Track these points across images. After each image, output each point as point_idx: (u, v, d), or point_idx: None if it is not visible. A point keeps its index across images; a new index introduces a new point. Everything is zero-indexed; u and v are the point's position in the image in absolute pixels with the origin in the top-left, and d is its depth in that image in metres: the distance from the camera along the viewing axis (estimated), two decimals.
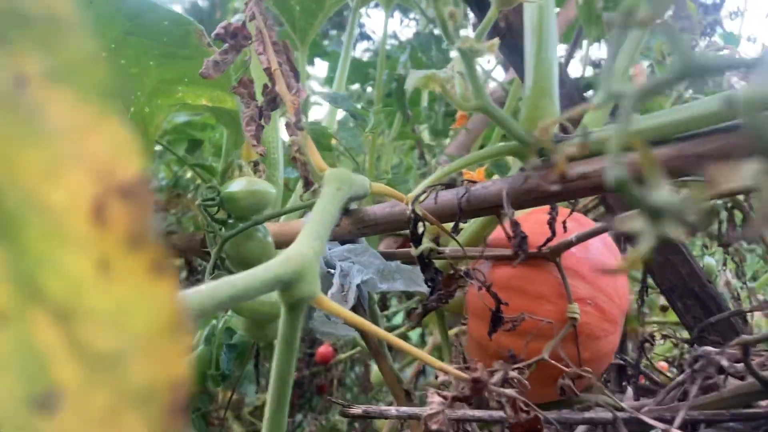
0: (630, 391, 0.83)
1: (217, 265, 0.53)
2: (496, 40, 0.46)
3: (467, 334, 0.63)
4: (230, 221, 0.53)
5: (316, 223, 0.36)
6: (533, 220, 0.58)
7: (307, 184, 0.45)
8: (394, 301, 1.39)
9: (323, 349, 1.29)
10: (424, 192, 0.49)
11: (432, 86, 0.46)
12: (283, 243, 0.61)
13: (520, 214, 0.65)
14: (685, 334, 0.87)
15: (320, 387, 1.30)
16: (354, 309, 0.61)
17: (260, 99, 0.48)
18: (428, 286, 0.51)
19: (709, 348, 0.67)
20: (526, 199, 0.47)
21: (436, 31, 1.56)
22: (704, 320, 0.82)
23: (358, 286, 0.58)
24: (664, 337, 0.89)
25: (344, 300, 0.57)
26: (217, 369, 0.80)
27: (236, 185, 0.51)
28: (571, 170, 0.46)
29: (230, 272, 0.53)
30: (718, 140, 0.39)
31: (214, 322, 0.88)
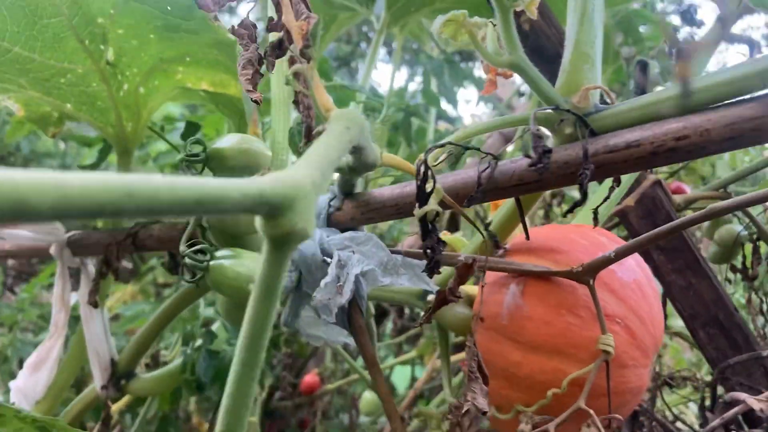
0: None
1: (195, 236, 0.46)
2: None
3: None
4: None
5: (316, 155, 0.29)
6: (561, 233, 0.52)
7: (309, 134, 0.40)
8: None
9: (309, 379, 1.21)
10: (442, 146, 0.43)
11: (459, 33, 0.41)
12: None
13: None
14: (705, 366, 0.80)
15: (303, 421, 1.21)
16: (349, 305, 0.54)
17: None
18: (426, 255, 0.45)
19: (740, 394, 0.60)
20: (562, 173, 0.42)
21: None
22: (728, 352, 0.75)
23: (356, 278, 0.52)
24: (684, 379, 0.82)
25: (339, 293, 0.50)
26: (193, 373, 0.73)
27: (226, 141, 0.45)
28: (617, 138, 0.40)
29: (211, 244, 0.46)
30: None
31: (190, 326, 0.81)
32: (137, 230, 0.64)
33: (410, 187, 0.48)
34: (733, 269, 0.86)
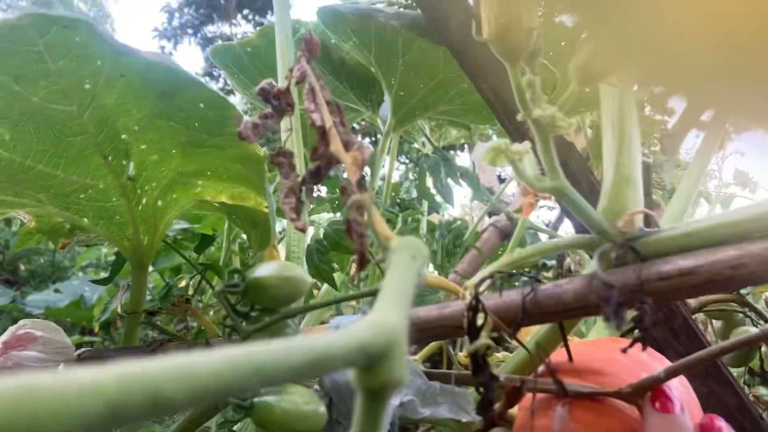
0: None
1: None
2: (575, 121, 0.42)
3: None
4: (253, 314, 0.46)
5: (394, 293, 0.28)
6: (603, 353, 0.51)
7: (362, 262, 0.39)
8: None
9: None
10: (490, 277, 0.42)
11: (500, 159, 0.41)
12: None
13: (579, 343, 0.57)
14: None
15: None
16: None
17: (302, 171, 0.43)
18: (479, 393, 0.43)
19: None
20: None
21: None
22: None
23: (393, 409, 0.50)
24: None
25: None
26: None
27: (266, 269, 0.44)
28: (669, 265, 0.40)
29: None
30: None
31: None
32: (155, 348, 0.62)
33: (451, 308, 0.47)
34: (752, 373, 0.85)
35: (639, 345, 0.49)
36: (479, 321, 0.41)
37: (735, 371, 0.89)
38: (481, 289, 0.43)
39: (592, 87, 0.43)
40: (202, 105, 0.57)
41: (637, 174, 0.44)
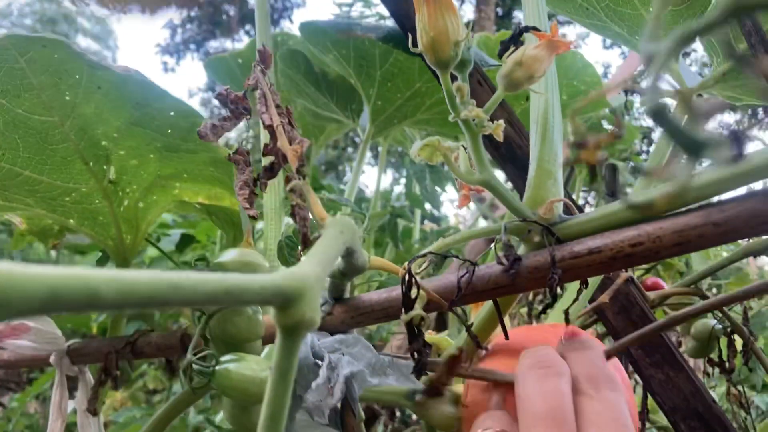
0: None
1: (198, 345, 0.49)
2: (503, 122, 0.47)
3: None
4: None
5: (317, 254, 0.33)
6: (540, 335, 0.55)
7: (306, 241, 0.44)
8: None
9: None
10: (423, 256, 0.47)
11: (435, 155, 0.46)
12: (267, 338, 0.58)
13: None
14: None
15: None
16: (342, 407, 0.56)
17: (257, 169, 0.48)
18: (413, 358, 0.48)
19: None
20: (533, 277, 0.46)
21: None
22: None
23: (349, 382, 0.54)
24: None
25: (330, 394, 0.53)
26: None
27: (227, 255, 0.49)
28: (580, 245, 0.44)
29: (213, 355, 0.49)
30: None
31: None
32: (136, 338, 0.67)
33: (397, 291, 0.52)
34: (711, 363, 0.89)
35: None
36: (413, 294, 0.46)
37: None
38: (420, 269, 0.48)
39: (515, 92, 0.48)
40: (172, 113, 0.63)
41: (558, 168, 0.49)
